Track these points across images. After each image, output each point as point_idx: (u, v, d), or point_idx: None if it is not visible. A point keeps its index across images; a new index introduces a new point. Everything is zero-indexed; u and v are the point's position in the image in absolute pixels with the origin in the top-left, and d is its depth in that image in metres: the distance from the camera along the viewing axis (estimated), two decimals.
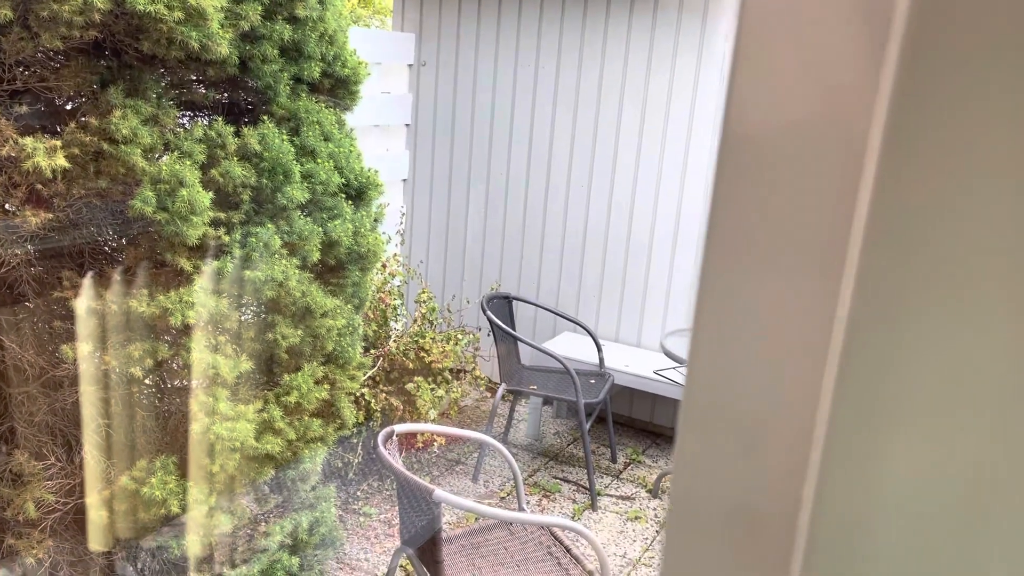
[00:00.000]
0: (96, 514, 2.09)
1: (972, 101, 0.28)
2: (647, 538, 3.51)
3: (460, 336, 4.06)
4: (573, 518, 3.62)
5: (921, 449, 0.31)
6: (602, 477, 3.99)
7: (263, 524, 2.41)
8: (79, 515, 2.10)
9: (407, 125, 4.81)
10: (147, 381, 2.25)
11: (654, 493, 3.86)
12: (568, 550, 2.68)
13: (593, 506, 3.72)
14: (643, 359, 4.22)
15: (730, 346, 0.33)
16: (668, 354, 3.56)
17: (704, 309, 0.33)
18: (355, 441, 3.56)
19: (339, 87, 2.54)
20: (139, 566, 2.26)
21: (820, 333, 0.30)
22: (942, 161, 0.29)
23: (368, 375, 3.60)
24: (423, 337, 3.85)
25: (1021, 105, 0.27)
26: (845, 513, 0.32)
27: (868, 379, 0.30)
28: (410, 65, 4.72)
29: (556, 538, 2.74)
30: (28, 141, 1.86)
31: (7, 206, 1.97)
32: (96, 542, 2.16)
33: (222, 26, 2.04)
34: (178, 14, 1.93)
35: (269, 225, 2.24)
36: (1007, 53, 0.27)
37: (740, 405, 0.33)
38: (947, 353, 0.30)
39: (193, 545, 2.19)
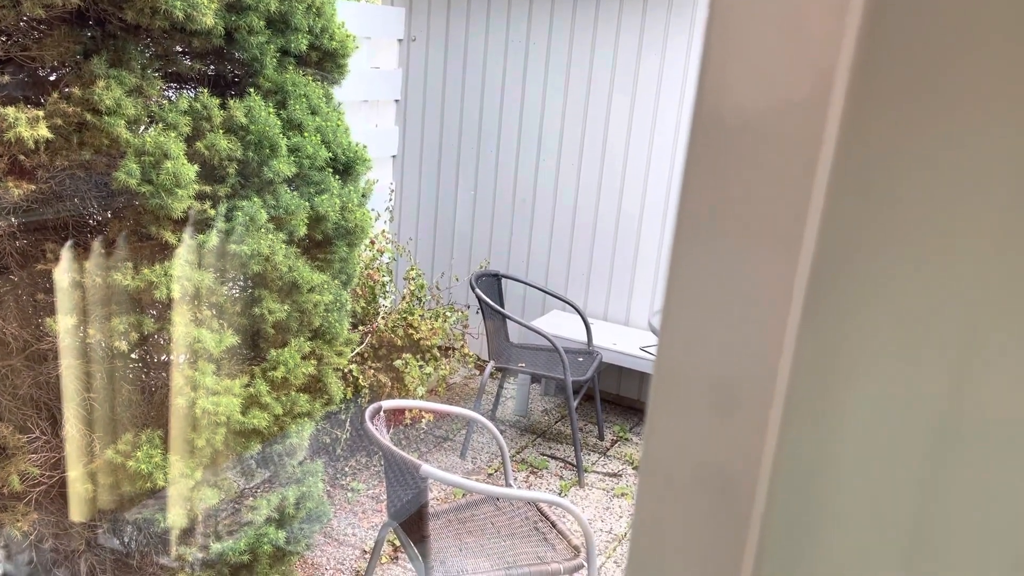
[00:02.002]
0: (81, 487, 2.09)
1: (928, 78, 0.29)
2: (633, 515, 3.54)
3: (449, 313, 4.06)
4: (560, 494, 3.64)
5: (879, 405, 0.31)
6: (589, 454, 4.02)
7: (250, 498, 2.42)
8: (64, 488, 2.10)
9: (396, 101, 4.77)
10: (132, 355, 2.24)
11: None
12: (554, 525, 2.70)
13: (580, 482, 3.75)
14: (631, 337, 4.23)
15: (697, 309, 0.33)
16: (656, 332, 3.57)
17: (675, 275, 0.33)
18: (343, 417, 3.56)
19: (327, 60, 2.52)
20: (124, 539, 2.26)
21: (781, 292, 0.31)
22: (898, 126, 0.29)
23: (356, 351, 3.60)
24: (411, 314, 3.85)
25: (976, 78, 0.28)
26: (804, 467, 0.32)
27: (826, 336, 0.31)
28: (400, 40, 4.68)
29: (542, 513, 2.76)
30: (10, 111, 1.84)
31: None
32: (81, 515, 2.16)
33: None
34: None
35: (255, 199, 2.23)
36: (965, 30, 0.28)
37: (706, 365, 0.33)
38: (903, 309, 0.30)
39: (179, 518, 2.19)
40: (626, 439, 4.19)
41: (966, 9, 0.27)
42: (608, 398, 4.51)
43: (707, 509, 0.35)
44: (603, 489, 3.73)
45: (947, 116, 0.29)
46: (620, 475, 3.86)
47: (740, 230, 0.31)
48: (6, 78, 1.92)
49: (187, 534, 2.27)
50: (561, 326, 4.32)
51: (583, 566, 2.53)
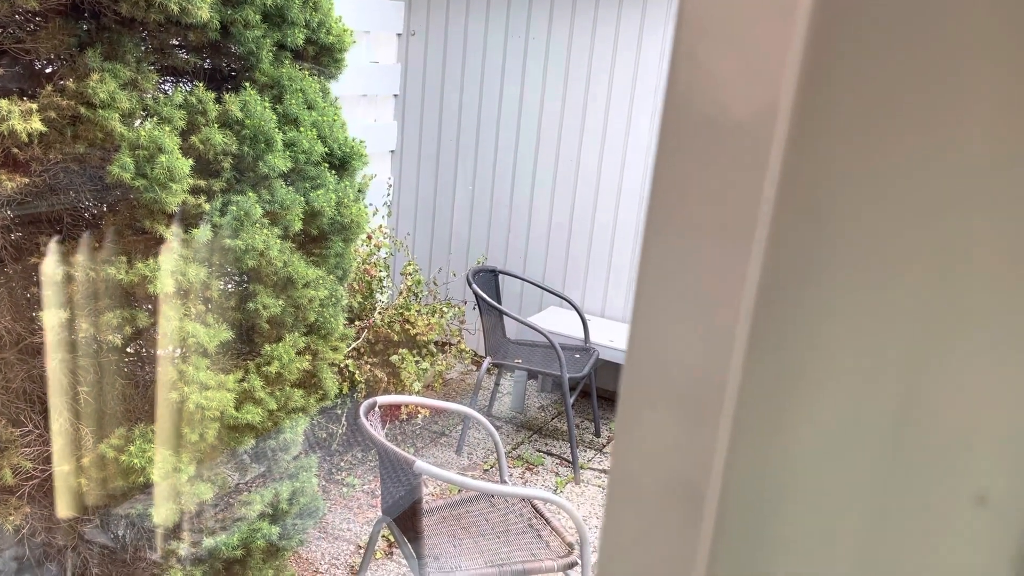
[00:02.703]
0: (74, 481, 2.08)
1: (875, 78, 0.29)
2: None
3: (446, 309, 4.06)
4: (556, 491, 3.64)
5: (828, 416, 0.31)
6: (585, 451, 4.01)
7: (244, 493, 2.41)
8: (57, 482, 2.10)
9: (395, 95, 4.76)
10: (126, 349, 2.23)
11: None
12: (548, 522, 2.70)
13: (576, 479, 3.75)
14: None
15: (658, 316, 0.33)
16: None
17: (643, 277, 0.33)
18: (339, 412, 3.56)
19: (323, 55, 2.51)
20: (117, 533, 2.26)
21: (732, 295, 0.31)
22: (847, 133, 0.30)
23: (353, 346, 3.60)
24: (408, 309, 3.84)
25: (924, 74, 0.28)
26: (755, 476, 0.32)
27: (776, 345, 0.31)
28: (399, 34, 4.66)
29: (537, 510, 2.75)
30: (3, 103, 1.83)
31: None
32: (74, 509, 2.16)
33: None
34: None
35: (250, 194, 2.22)
36: (914, 54, 0.28)
37: (664, 368, 0.33)
38: (852, 321, 0.30)
39: (171, 513, 2.18)
40: None
41: (915, 34, 0.28)
42: (605, 395, 4.51)
43: (671, 519, 0.35)
44: (599, 486, 3.73)
45: (892, 137, 0.29)
46: None
47: (695, 234, 0.32)
48: (0, 70, 1.91)
49: (180, 529, 2.27)
50: (558, 322, 4.31)
51: (577, 563, 2.53)
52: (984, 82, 0.28)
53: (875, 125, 0.29)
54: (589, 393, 4.22)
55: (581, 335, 4.08)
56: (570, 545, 2.58)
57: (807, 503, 0.32)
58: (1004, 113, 0.28)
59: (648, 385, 0.34)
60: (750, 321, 0.30)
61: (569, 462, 3.88)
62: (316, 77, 2.48)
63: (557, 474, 3.80)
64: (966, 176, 0.29)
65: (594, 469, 3.87)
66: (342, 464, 3.71)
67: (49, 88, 1.94)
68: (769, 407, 0.31)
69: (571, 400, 3.78)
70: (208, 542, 2.28)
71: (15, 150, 1.90)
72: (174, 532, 2.27)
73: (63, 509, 2.14)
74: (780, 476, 0.32)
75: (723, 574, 0.32)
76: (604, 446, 4.08)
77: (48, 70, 2.06)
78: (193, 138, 2.11)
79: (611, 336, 4.19)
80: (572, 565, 2.53)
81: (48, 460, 2.10)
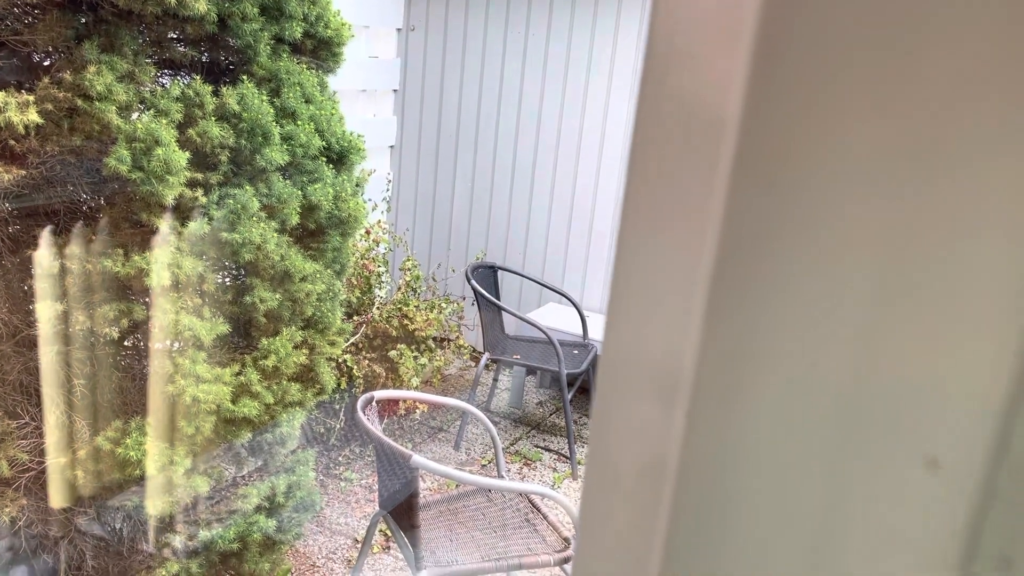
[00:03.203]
0: (70, 473, 2.09)
1: (829, 53, 0.30)
2: None
3: (444, 304, 4.06)
4: (553, 486, 3.65)
5: (782, 385, 0.31)
6: (583, 447, 4.02)
7: (240, 487, 2.42)
8: (53, 474, 2.10)
9: (395, 91, 4.76)
10: (123, 342, 2.24)
11: None
12: (545, 517, 2.70)
13: (573, 475, 3.75)
14: None
15: (628, 296, 0.33)
16: None
17: (615, 265, 0.34)
18: (337, 407, 3.56)
19: (321, 48, 2.51)
20: (113, 526, 2.26)
21: (688, 275, 0.31)
22: (800, 111, 0.31)
23: (351, 342, 3.60)
24: (407, 305, 3.84)
25: (877, 48, 0.29)
26: (711, 451, 0.32)
27: (730, 320, 0.31)
28: (399, 29, 4.66)
29: (534, 505, 2.76)
30: None
31: None
32: (69, 501, 2.16)
33: None
34: None
35: (247, 187, 2.22)
36: (864, 29, 0.29)
37: (630, 351, 0.33)
38: (806, 289, 0.31)
39: (167, 506, 2.19)
40: None
41: (869, 7, 0.28)
42: None
43: (639, 496, 0.35)
44: None
45: (841, 115, 0.30)
46: None
47: (655, 220, 0.32)
48: None
49: (176, 522, 2.27)
50: (557, 318, 4.31)
51: (573, 557, 2.53)
52: (939, 57, 0.28)
53: (828, 103, 0.30)
54: (587, 389, 4.22)
55: (580, 331, 4.08)
56: (566, 540, 2.58)
57: (762, 475, 0.32)
58: (957, 91, 0.28)
59: (615, 367, 0.34)
60: (705, 298, 0.31)
61: (567, 458, 3.89)
62: (314, 71, 2.48)
63: (555, 470, 3.80)
64: (918, 152, 0.29)
65: None
66: (340, 459, 3.71)
67: (46, 80, 1.94)
68: (725, 383, 0.31)
69: (569, 396, 3.78)
70: (204, 535, 2.29)
71: (12, 142, 1.90)
72: (170, 525, 2.27)
73: (59, 501, 2.15)
74: (736, 450, 0.32)
75: (680, 545, 0.33)
76: None
77: (46, 62, 2.05)
78: (190, 131, 2.11)
79: None
80: (568, 560, 2.53)
81: (44, 452, 2.10)
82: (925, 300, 0.30)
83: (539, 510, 2.74)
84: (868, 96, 0.29)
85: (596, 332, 4.14)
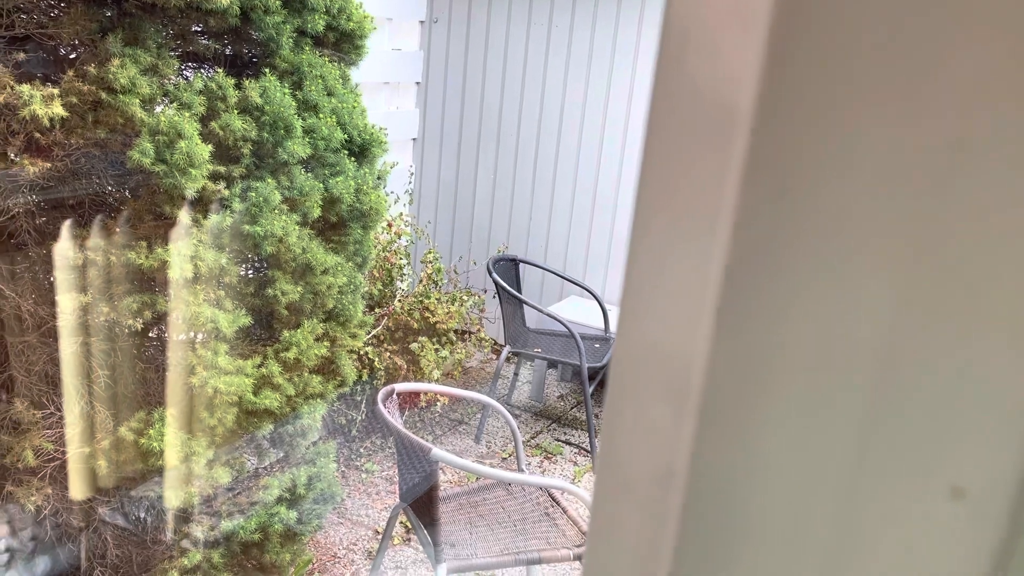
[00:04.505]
0: (94, 463, 2.11)
1: (843, 52, 0.29)
2: None
3: (466, 297, 4.06)
4: (574, 481, 3.64)
5: (797, 400, 0.30)
6: None
7: (262, 478, 2.43)
8: (77, 464, 2.13)
9: (417, 83, 4.76)
10: (146, 334, 2.26)
11: None
12: (565, 511, 2.70)
13: (594, 469, 3.74)
14: None
15: (640, 300, 0.33)
16: None
17: (630, 263, 0.33)
18: (359, 399, 3.57)
19: (344, 41, 2.51)
20: (135, 515, 2.28)
21: (699, 279, 0.30)
22: (815, 112, 0.30)
23: (372, 334, 3.61)
24: (428, 297, 3.85)
25: (893, 51, 0.28)
26: (722, 460, 0.31)
27: (742, 325, 0.30)
28: (422, 21, 4.65)
29: (554, 499, 2.75)
30: (25, 88, 1.84)
31: (6, 153, 1.96)
32: (93, 491, 2.18)
33: None
34: None
35: (269, 180, 2.23)
36: (883, 25, 0.28)
37: (640, 354, 0.32)
38: (824, 300, 0.30)
39: (190, 496, 2.21)
40: None
41: (883, 13, 0.28)
42: None
43: (649, 500, 0.35)
44: None
45: (858, 115, 0.29)
46: None
47: (667, 223, 0.32)
48: (23, 55, 1.93)
49: (198, 512, 2.29)
50: (578, 312, 4.30)
51: (584, 556, 2.52)
52: (955, 63, 0.27)
53: (844, 97, 0.29)
54: None
55: (601, 325, 4.06)
56: (586, 535, 2.58)
57: (775, 490, 0.31)
58: (980, 91, 0.27)
59: (625, 367, 0.33)
60: (716, 298, 0.30)
61: (587, 452, 3.88)
62: (336, 63, 2.48)
63: (575, 463, 3.80)
64: (939, 153, 0.28)
65: None
66: (361, 450, 3.73)
67: (71, 73, 1.95)
68: (738, 387, 0.30)
69: (590, 389, 3.77)
70: (226, 525, 2.31)
71: (37, 135, 1.92)
72: (192, 515, 2.29)
73: (83, 491, 2.17)
74: (749, 459, 0.31)
75: (689, 556, 0.32)
76: None
77: (71, 56, 2.07)
78: (213, 124, 2.11)
79: None
80: None
81: (69, 442, 2.13)
82: (953, 315, 0.28)
83: (559, 504, 2.73)
84: (886, 92, 0.28)
85: None
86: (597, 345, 3.95)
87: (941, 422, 0.29)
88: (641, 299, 0.32)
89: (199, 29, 2.21)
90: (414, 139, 4.86)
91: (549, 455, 3.85)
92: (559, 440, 3.99)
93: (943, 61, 0.27)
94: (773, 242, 0.29)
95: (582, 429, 4.09)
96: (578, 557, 2.51)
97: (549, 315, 3.74)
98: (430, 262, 4.05)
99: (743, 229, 0.29)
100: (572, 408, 4.31)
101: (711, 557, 0.32)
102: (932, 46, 0.27)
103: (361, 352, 3.45)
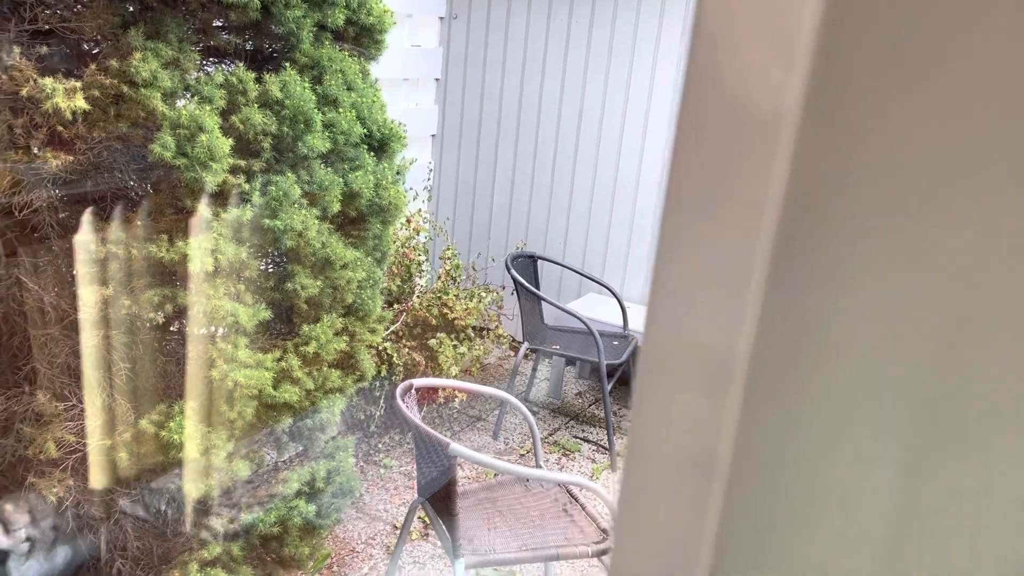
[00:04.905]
0: (115, 455, 2.12)
1: (888, 76, 0.28)
2: None
3: (484, 294, 4.05)
4: (592, 478, 3.63)
5: (853, 389, 0.29)
6: (622, 438, 3.99)
7: (281, 471, 2.44)
8: (98, 456, 2.14)
9: (437, 80, 4.75)
10: (168, 327, 2.27)
11: None
12: (583, 508, 2.68)
13: (612, 467, 3.72)
14: None
15: (676, 288, 0.32)
16: None
17: (659, 256, 0.32)
18: (377, 394, 3.58)
19: (364, 36, 2.50)
20: (157, 507, 2.30)
21: (743, 266, 0.29)
22: (865, 112, 0.29)
23: (391, 330, 3.61)
24: (447, 294, 3.84)
25: (938, 71, 0.27)
26: (768, 452, 0.30)
27: (792, 311, 0.29)
28: (441, 18, 4.65)
29: (572, 496, 2.74)
30: (47, 82, 1.85)
31: (29, 147, 1.97)
32: (114, 482, 2.20)
33: None
34: None
35: (289, 174, 2.23)
36: (934, 14, 0.27)
37: (679, 340, 0.32)
38: (877, 294, 0.29)
39: (209, 489, 2.21)
40: None
41: (936, 19, 0.27)
42: None
43: (685, 487, 0.33)
44: None
45: (918, 98, 0.28)
46: None
47: (705, 200, 0.31)
48: (46, 49, 1.94)
49: (217, 505, 2.30)
50: (597, 309, 4.28)
51: (611, 549, 2.51)
52: (1012, 69, 0.26)
53: (894, 105, 0.28)
54: (627, 380, 4.19)
55: (620, 322, 4.04)
56: (604, 531, 2.56)
57: (827, 472, 0.30)
58: (1018, 98, 0.26)
59: (662, 356, 0.32)
60: (763, 286, 0.29)
61: (606, 449, 3.86)
62: (356, 58, 2.48)
63: (593, 461, 3.78)
64: (991, 164, 0.27)
65: None
66: (380, 446, 3.73)
67: (93, 67, 1.96)
68: (785, 376, 0.29)
69: (609, 387, 3.75)
70: (245, 518, 2.31)
71: (60, 128, 1.93)
72: (212, 508, 2.30)
73: (104, 483, 2.19)
74: (797, 448, 0.30)
75: (732, 548, 0.30)
76: None
77: (92, 50, 2.08)
78: (233, 118, 2.12)
79: None
80: (606, 551, 2.51)
81: (90, 434, 2.14)
82: (1016, 287, 0.27)
83: (577, 501, 2.72)
84: (935, 91, 0.27)
85: (637, 323, 4.10)
86: (616, 342, 3.93)
87: (1004, 423, 0.28)
88: (676, 290, 0.31)
89: (220, 23, 2.22)
90: (433, 135, 4.86)
91: (567, 452, 3.84)
92: (577, 437, 3.98)
93: (1003, 68, 0.26)
94: (824, 226, 0.29)
95: (600, 426, 4.07)
96: (597, 554, 2.50)
97: (568, 312, 3.73)
98: (448, 258, 4.04)
99: (791, 215, 0.28)
100: (590, 405, 4.30)
101: (756, 549, 0.31)
102: (989, 49, 0.26)
103: (380, 348, 3.45)
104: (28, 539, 2.29)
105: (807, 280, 0.29)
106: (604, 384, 3.69)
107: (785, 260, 0.29)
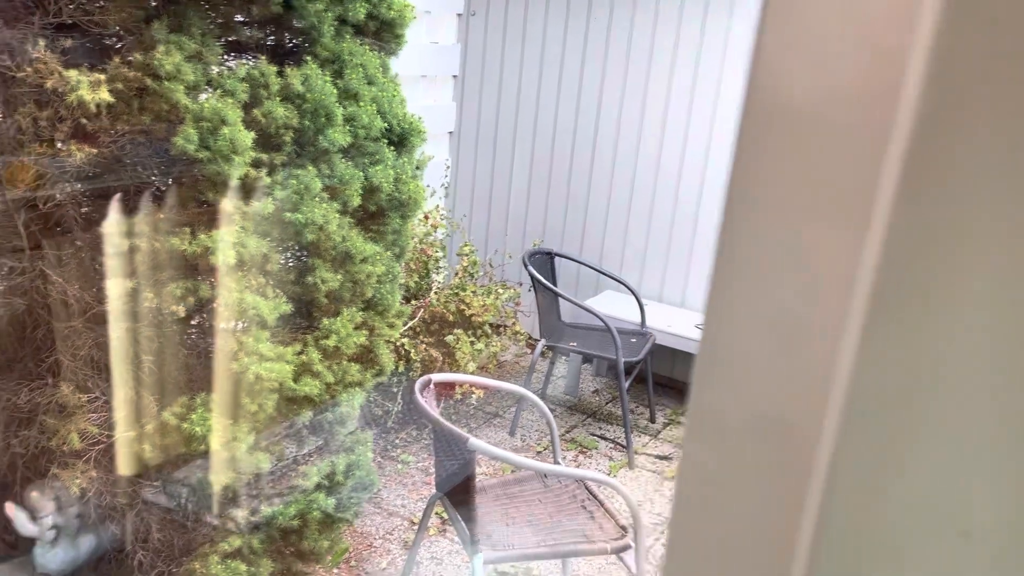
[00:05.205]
0: (137, 447, 2.13)
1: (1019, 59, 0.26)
2: None
3: (501, 290, 4.05)
4: (609, 475, 3.62)
5: (956, 399, 0.28)
6: (640, 436, 3.97)
7: (301, 465, 2.44)
8: (121, 447, 2.15)
9: (454, 76, 4.75)
10: (189, 320, 2.28)
11: None
12: (602, 504, 2.67)
13: (630, 464, 3.71)
14: (686, 319, 4.17)
15: (751, 269, 0.31)
16: None
17: (726, 241, 0.31)
18: (395, 390, 3.58)
19: (384, 30, 2.51)
20: (178, 499, 2.31)
21: (847, 271, 0.29)
22: (985, 121, 0.27)
23: (408, 326, 3.61)
24: (464, 290, 3.84)
25: None
26: (878, 419, 0.29)
27: (896, 323, 0.28)
28: (459, 15, 4.65)
29: (591, 492, 2.73)
30: (72, 74, 1.87)
31: (54, 139, 1.99)
32: (136, 473, 2.21)
33: None
34: None
35: (310, 168, 2.23)
36: None
37: (762, 306, 0.31)
38: (994, 299, 0.28)
39: (230, 481, 2.22)
40: (678, 422, 4.14)
41: None
42: (661, 380, 4.45)
43: (763, 459, 0.32)
44: (653, 471, 3.69)
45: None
46: (671, 458, 3.81)
47: (796, 210, 0.29)
48: (70, 42, 1.95)
49: (238, 497, 2.31)
50: (614, 306, 4.27)
51: (630, 547, 2.50)
52: None
53: (1010, 106, 0.27)
54: (645, 378, 4.17)
55: (638, 319, 4.03)
56: (623, 528, 2.55)
57: (938, 474, 0.29)
58: None
59: (741, 328, 0.31)
60: (869, 295, 0.28)
61: (623, 447, 3.85)
62: (376, 52, 2.48)
63: (611, 458, 3.77)
64: None
65: (648, 454, 3.83)
66: (397, 441, 3.74)
67: (117, 60, 1.97)
68: (893, 400, 0.28)
69: (626, 384, 3.74)
70: (266, 511, 2.32)
71: (84, 121, 1.94)
72: (233, 500, 2.31)
73: (126, 474, 2.20)
74: (906, 429, 0.29)
75: (834, 532, 0.29)
76: (659, 432, 4.04)
77: (116, 43, 2.09)
78: (255, 111, 2.12)
79: (668, 321, 4.13)
80: (625, 548, 2.50)
81: (113, 426, 2.15)
82: None
83: (596, 497, 2.71)
84: None
85: (654, 320, 4.09)
86: (633, 339, 3.92)
87: None
88: (766, 271, 0.30)
89: (242, 17, 2.23)
90: (450, 133, 4.86)
91: (584, 449, 3.83)
92: (594, 435, 3.97)
93: None
94: (939, 226, 0.27)
95: (617, 424, 4.06)
96: (616, 551, 2.49)
97: (585, 308, 3.72)
98: (466, 255, 4.04)
99: (901, 216, 0.27)
100: (607, 403, 4.28)
101: (859, 523, 0.30)
102: None
103: (397, 343, 3.45)
104: (54, 527, 2.31)
105: (917, 296, 0.28)
106: (622, 382, 3.68)
107: (893, 274, 0.28)
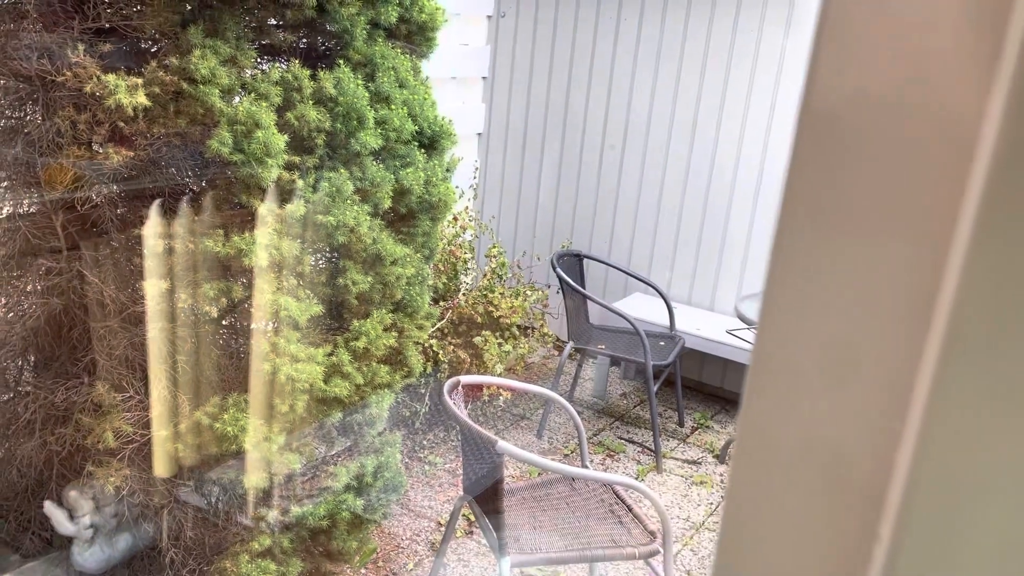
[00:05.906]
0: (171, 446, 2.16)
1: None
2: (712, 503, 3.47)
3: (529, 292, 4.04)
4: (637, 479, 3.60)
5: None
6: (668, 440, 3.95)
7: (330, 465, 2.46)
8: (155, 447, 2.18)
9: (484, 78, 4.76)
10: (222, 321, 2.30)
11: (721, 459, 3.80)
12: (630, 509, 2.66)
13: (658, 468, 3.69)
14: (716, 323, 4.13)
15: (807, 288, 0.30)
16: (743, 319, 3.47)
17: (781, 254, 0.30)
18: (423, 391, 3.59)
19: (416, 33, 2.51)
20: (210, 498, 2.33)
21: (920, 297, 0.27)
22: None
23: (436, 327, 3.62)
24: (492, 292, 3.84)
25: None
26: (954, 468, 0.28)
27: (976, 356, 0.27)
28: (489, 16, 4.65)
29: (618, 496, 2.72)
30: (110, 78, 1.89)
31: (92, 142, 2.01)
32: (169, 473, 2.23)
33: None
34: None
35: (342, 170, 2.25)
36: None
37: (817, 332, 0.30)
38: None
39: (261, 481, 2.24)
40: (707, 427, 4.11)
41: None
42: (689, 384, 4.42)
43: (815, 486, 0.32)
44: (681, 476, 3.67)
45: None
46: (700, 463, 3.78)
47: (858, 226, 0.29)
48: (108, 47, 1.98)
49: (269, 496, 2.33)
50: (643, 309, 4.25)
51: (659, 552, 2.48)
52: None
53: None
54: (673, 382, 4.15)
55: (666, 322, 4.01)
56: (652, 533, 2.54)
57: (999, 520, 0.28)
58: None
59: (793, 352, 0.31)
60: (944, 325, 0.27)
61: (651, 450, 3.83)
62: (408, 55, 2.49)
63: (639, 462, 3.75)
64: None
65: (676, 459, 3.80)
66: (424, 443, 3.75)
67: (153, 64, 2.00)
68: (962, 422, 0.27)
69: (655, 388, 3.72)
70: (296, 511, 2.34)
71: (121, 124, 1.97)
72: (264, 499, 2.33)
73: (160, 472, 2.23)
74: (985, 481, 0.28)
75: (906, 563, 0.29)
76: (688, 436, 4.01)
77: (152, 48, 2.12)
78: (288, 114, 2.14)
79: (698, 324, 4.11)
80: (654, 553, 2.48)
81: (147, 425, 2.18)
82: None
83: (624, 502, 2.70)
84: None
85: (684, 324, 4.06)
86: (662, 343, 3.90)
87: None
88: (823, 290, 0.30)
89: (276, 21, 2.24)
90: (479, 134, 4.87)
91: (612, 453, 3.82)
92: (622, 439, 3.95)
93: None
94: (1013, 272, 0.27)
95: (645, 428, 4.04)
96: (644, 556, 2.48)
97: (614, 311, 3.70)
98: (494, 256, 4.05)
99: (985, 233, 0.26)
100: (635, 407, 4.26)
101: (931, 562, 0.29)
102: None
103: (426, 345, 3.46)
104: (92, 526, 2.34)
105: (997, 326, 0.27)
106: (650, 385, 3.66)
107: (973, 300, 0.27)
